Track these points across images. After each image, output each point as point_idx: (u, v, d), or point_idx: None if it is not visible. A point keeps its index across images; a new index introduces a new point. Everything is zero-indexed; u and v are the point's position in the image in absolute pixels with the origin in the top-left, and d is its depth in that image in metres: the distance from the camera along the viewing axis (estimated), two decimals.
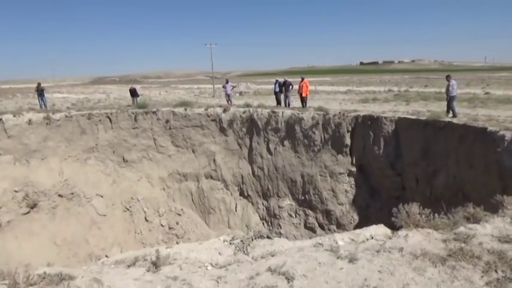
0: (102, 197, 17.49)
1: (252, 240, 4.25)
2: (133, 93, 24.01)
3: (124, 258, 3.88)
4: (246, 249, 4.05)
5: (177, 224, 18.13)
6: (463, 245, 3.89)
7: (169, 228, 17.91)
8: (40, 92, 21.50)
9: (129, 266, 3.77)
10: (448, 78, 15.28)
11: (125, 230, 17.53)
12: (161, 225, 17.97)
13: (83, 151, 17.78)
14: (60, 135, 17.15)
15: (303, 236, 16.87)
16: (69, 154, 17.36)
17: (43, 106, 21.22)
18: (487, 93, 30.83)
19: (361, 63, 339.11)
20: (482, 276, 3.34)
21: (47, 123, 16.83)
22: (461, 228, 4.31)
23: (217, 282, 3.46)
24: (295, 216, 17.87)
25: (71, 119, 17.52)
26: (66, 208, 16.42)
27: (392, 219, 4.71)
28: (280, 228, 17.73)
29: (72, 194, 16.68)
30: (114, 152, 18.47)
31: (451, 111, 14.71)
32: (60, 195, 16.35)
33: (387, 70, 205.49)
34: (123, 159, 18.65)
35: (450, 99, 14.83)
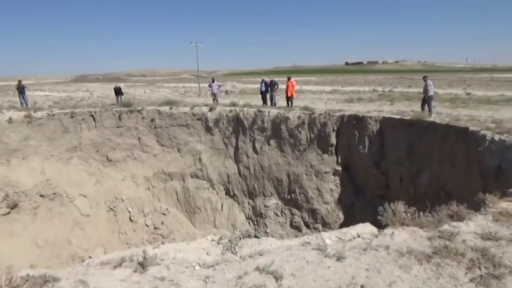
0: (85, 197, 17.19)
1: (240, 239, 4.24)
2: (118, 91, 23.70)
3: (110, 259, 3.82)
4: (234, 249, 4.03)
5: (162, 223, 17.97)
6: (447, 242, 3.96)
7: (155, 228, 17.75)
8: (21, 89, 21.01)
9: (115, 267, 3.71)
10: (424, 78, 16.35)
11: (108, 231, 17.28)
12: (146, 225, 17.78)
13: (66, 150, 17.44)
14: (42, 134, 16.78)
15: (288, 235, 16.93)
16: (52, 153, 17.00)
17: (24, 104, 20.74)
18: (468, 93, 31.51)
19: (346, 63, 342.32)
20: (466, 273, 3.41)
21: (28, 122, 16.45)
22: (446, 226, 4.39)
23: (205, 282, 3.44)
24: (281, 215, 17.92)
25: (53, 118, 17.16)
26: (48, 208, 16.09)
27: (379, 217, 4.76)
28: (266, 227, 17.76)
29: (55, 194, 16.35)
30: (97, 151, 18.18)
31: (426, 110, 15.60)
32: (41, 196, 16.00)
33: (372, 70, 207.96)
34: (107, 159, 18.37)
35: (428, 99, 15.73)
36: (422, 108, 15.99)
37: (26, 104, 20.83)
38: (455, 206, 4.87)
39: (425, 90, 15.89)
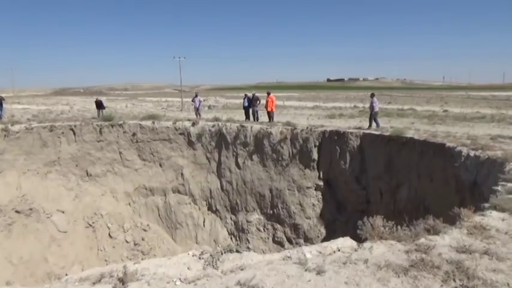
0: (63, 212, 16.76)
1: (222, 254, 4.24)
2: (99, 105, 23.40)
3: (89, 275, 3.76)
4: (216, 264, 4.03)
5: (142, 240, 17.64)
6: (424, 255, 4.06)
7: (135, 244, 17.40)
8: None
9: (94, 283, 3.65)
10: (372, 96, 17.40)
11: (86, 247, 16.83)
12: (126, 241, 17.42)
13: (44, 164, 17.04)
14: (19, 148, 16.37)
15: (271, 251, 16.86)
16: (29, 168, 16.58)
17: (1, 117, 20.24)
18: (445, 110, 32.44)
19: (328, 80, 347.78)
20: (441, 286, 3.50)
21: (5, 136, 16.05)
22: (422, 240, 4.51)
23: None
24: (264, 231, 17.88)
25: (31, 131, 16.80)
26: (23, 225, 15.58)
27: (358, 231, 4.85)
28: (249, 242, 17.65)
29: (31, 209, 15.88)
30: (77, 165, 17.83)
31: (374, 124, 16.71)
32: (17, 211, 15.51)
33: (353, 87, 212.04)
34: (87, 173, 18.03)
35: (374, 114, 16.85)
36: (370, 123, 16.97)
37: (0, 117, 20.28)
38: (432, 220, 5.01)
39: (372, 107, 16.98)
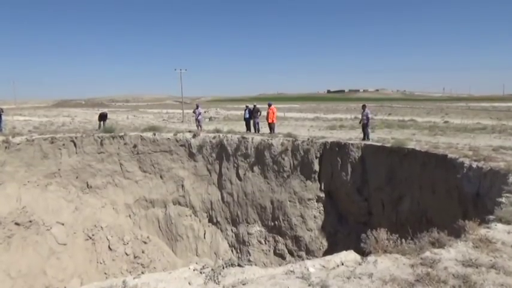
0: (62, 224, 16.62)
1: (223, 268, 4.17)
2: (103, 117, 23.43)
3: None
4: (217, 278, 3.95)
5: (142, 252, 17.46)
6: (429, 269, 3.99)
7: (135, 257, 17.21)
8: None
9: None
10: (363, 107, 17.34)
11: (86, 260, 16.65)
12: (126, 254, 17.23)
13: (44, 176, 16.98)
14: (19, 160, 16.34)
15: (272, 263, 16.69)
16: (29, 179, 16.51)
17: (1, 129, 20.28)
18: (446, 121, 32.50)
19: (329, 91, 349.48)
20: None
21: (5, 147, 16.03)
22: (427, 253, 4.43)
23: None
24: (265, 243, 17.70)
25: (32, 143, 16.78)
26: (22, 237, 15.44)
27: (362, 244, 4.77)
28: (250, 255, 17.47)
29: (30, 221, 15.75)
30: (77, 177, 17.77)
31: (366, 136, 16.85)
32: (17, 224, 15.39)
33: (353, 98, 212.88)
34: (87, 185, 17.95)
35: (366, 125, 16.95)
36: (364, 133, 17.09)
37: (0, 130, 20.32)
38: (437, 233, 4.94)
39: (366, 118, 17.03)
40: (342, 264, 4.33)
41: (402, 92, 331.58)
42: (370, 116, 17.26)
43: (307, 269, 4.17)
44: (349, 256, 4.50)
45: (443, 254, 4.40)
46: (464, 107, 79.94)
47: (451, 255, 4.40)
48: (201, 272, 4.12)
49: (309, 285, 3.79)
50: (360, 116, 18.47)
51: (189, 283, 3.93)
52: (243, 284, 3.87)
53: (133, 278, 3.97)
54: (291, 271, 4.16)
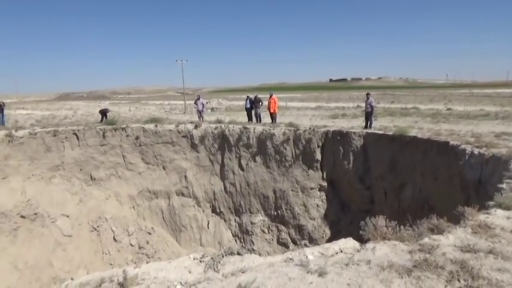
0: (67, 217, 16.80)
1: (223, 257, 4.21)
2: (104, 113, 23.39)
3: (89, 280, 3.74)
4: (217, 267, 4.00)
5: (147, 243, 17.64)
6: (427, 255, 4.01)
7: (139, 247, 17.40)
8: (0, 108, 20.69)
9: None
10: (367, 95, 17.29)
11: (91, 251, 16.85)
12: (131, 244, 17.42)
13: (48, 169, 17.10)
14: (23, 154, 16.44)
15: (276, 252, 16.81)
16: (33, 173, 16.64)
17: (4, 123, 20.38)
18: (449, 109, 32.29)
19: (331, 80, 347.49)
20: (446, 286, 3.45)
21: (8, 141, 16.12)
22: (426, 239, 4.45)
23: None
24: (268, 232, 17.82)
25: (35, 136, 16.87)
26: (28, 230, 15.63)
27: (360, 232, 4.80)
28: (253, 244, 17.61)
29: (36, 214, 15.92)
30: (81, 170, 17.88)
31: (369, 124, 16.87)
32: (22, 216, 15.56)
33: (355, 87, 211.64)
34: (91, 177, 18.07)
35: (370, 114, 16.95)
36: (366, 122, 17.08)
37: (3, 123, 20.42)
38: (436, 220, 4.95)
39: (370, 106, 16.98)
40: (341, 251, 4.37)
41: (405, 79, 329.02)
42: (374, 104, 17.21)
43: (306, 257, 4.21)
44: (348, 243, 4.53)
45: (441, 240, 4.42)
46: (468, 93, 79.30)
47: (450, 241, 4.42)
48: (200, 261, 4.17)
49: (308, 272, 3.83)
50: (363, 105, 18.42)
51: (189, 272, 3.98)
52: (242, 272, 3.91)
53: (134, 268, 4.03)
54: (290, 259, 4.20)
